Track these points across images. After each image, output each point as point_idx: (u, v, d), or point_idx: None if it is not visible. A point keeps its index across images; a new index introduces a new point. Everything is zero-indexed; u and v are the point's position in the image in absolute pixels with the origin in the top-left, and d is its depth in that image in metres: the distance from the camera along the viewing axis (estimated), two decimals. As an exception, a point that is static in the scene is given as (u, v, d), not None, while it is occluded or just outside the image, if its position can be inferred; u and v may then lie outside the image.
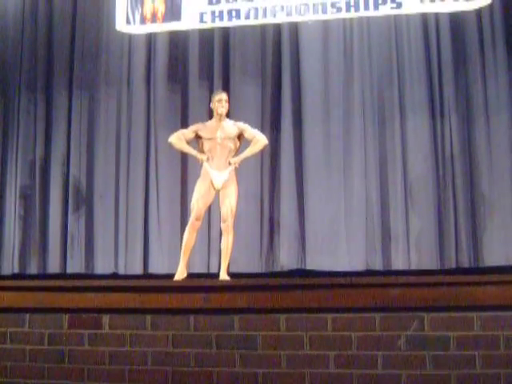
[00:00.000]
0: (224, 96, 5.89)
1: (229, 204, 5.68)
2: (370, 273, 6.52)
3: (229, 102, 5.96)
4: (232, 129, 5.82)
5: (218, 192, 5.76)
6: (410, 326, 4.58)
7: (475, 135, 6.72)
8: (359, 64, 6.98)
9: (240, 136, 5.86)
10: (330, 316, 4.69)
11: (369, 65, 6.98)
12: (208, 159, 5.76)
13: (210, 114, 6.58)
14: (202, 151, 5.85)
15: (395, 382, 4.55)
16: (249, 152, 5.85)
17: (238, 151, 5.86)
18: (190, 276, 5.83)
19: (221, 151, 5.76)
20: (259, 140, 5.84)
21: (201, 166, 5.84)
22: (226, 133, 5.79)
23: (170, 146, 5.99)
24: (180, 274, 5.69)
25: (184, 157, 7.06)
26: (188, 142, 5.92)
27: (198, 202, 5.72)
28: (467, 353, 4.52)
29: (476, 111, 6.75)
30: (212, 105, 5.93)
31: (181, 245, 5.87)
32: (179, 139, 5.88)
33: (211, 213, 6.54)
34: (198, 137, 5.88)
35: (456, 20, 6.81)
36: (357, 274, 6.34)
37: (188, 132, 5.93)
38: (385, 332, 4.62)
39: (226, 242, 5.68)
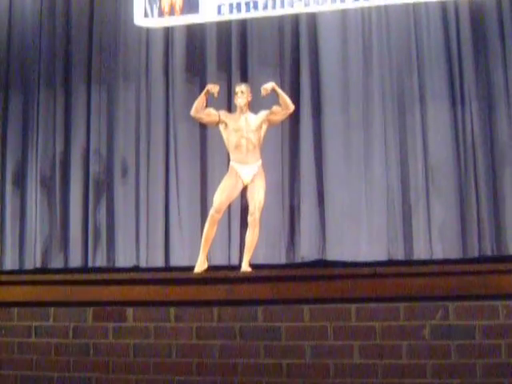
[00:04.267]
0: (241, 88, 5.83)
1: (257, 198, 5.67)
2: (391, 263, 6.49)
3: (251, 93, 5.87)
4: (255, 120, 5.78)
5: (245, 186, 5.74)
6: (435, 316, 4.56)
7: (496, 122, 6.67)
8: (378, 53, 6.94)
9: (262, 126, 5.79)
10: (354, 306, 4.68)
11: (388, 53, 6.93)
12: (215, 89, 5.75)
13: (229, 106, 6.61)
14: (227, 146, 5.83)
15: (420, 372, 4.54)
16: (283, 94, 5.77)
17: (261, 145, 5.82)
18: (211, 268, 5.84)
19: (246, 145, 5.73)
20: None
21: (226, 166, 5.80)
22: (250, 125, 5.75)
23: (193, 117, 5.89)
24: (200, 266, 5.70)
25: (204, 149, 7.10)
26: (207, 115, 5.83)
27: (222, 195, 5.71)
28: (492, 342, 4.49)
29: (497, 98, 6.70)
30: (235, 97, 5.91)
31: (201, 237, 5.87)
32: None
33: (232, 206, 6.53)
34: (220, 123, 5.83)
35: (475, 6, 6.75)
36: (378, 263, 6.31)
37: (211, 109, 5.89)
38: (409, 322, 4.61)
39: (251, 235, 5.68)
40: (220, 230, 6.24)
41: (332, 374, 4.66)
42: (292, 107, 5.83)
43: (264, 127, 5.82)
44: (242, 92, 5.80)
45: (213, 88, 5.79)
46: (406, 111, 6.86)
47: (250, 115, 5.82)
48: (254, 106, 5.92)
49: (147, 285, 5.08)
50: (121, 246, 7.13)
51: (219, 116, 5.83)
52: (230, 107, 6.56)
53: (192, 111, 5.82)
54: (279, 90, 5.79)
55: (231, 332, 4.84)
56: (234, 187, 5.76)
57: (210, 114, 5.84)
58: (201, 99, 5.79)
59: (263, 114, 5.82)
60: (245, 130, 5.74)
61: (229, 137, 5.80)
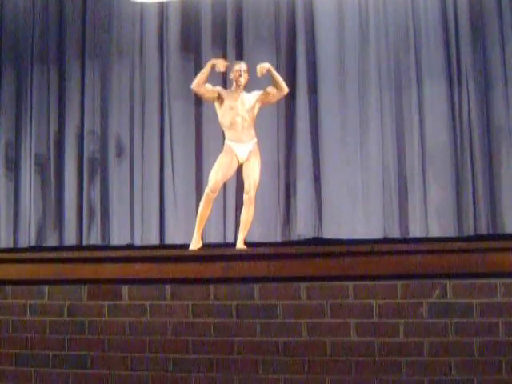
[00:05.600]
0: (244, 66, 5.77)
1: (252, 176, 5.65)
2: (387, 241, 6.49)
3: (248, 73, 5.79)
4: (250, 99, 5.73)
5: (241, 165, 5.71)
6: (432, 294, 4.55)
7: (493, 101, 6.64)
8: (375, 31, 6.87)
9: (256, 105, 5.75)
10: (351, 284, 4.67)
11: (385, 31, 6.87)
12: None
13: (224, 83, 6.54)
14: (222, 124, 5.78)
15: (417, 350, 4.54)
16: (278, 77, 5.72)
17: (254, 123, 5.77)
18: (207, 246, 5.81)
19: (242, 123, 5.68)
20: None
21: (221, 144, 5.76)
22: (245, 103, 5.71)
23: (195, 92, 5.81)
24: (195, 244, 5.69)
25: (199, 127, 7.04)
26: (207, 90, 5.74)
27: (217, 174, 5.66)
28: (490, 320, 4.49)
29: (494, 77, 6.67)
30: (232, 75, 5.83)
31: (196, 215, 5.83)
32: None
33: (227, 184, 6.50)
34: (218, 99, 5.76)
35: (473, -16, 6.70)
36: (374, 241, 6.30)
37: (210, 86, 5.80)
38: (406, 300, 4.60)
39: (247, 214, 5.67)
40: (216, 208, 6.22)
41: (329, 351, 4.65)
42: (286, 90, 5.77)
43: (257, 106, 5.78)
44: (245, 71, 5.74)
45: (220, 63, 5.72)
46: (402, 90, 6.82)
47: (245, 94, 5.78)
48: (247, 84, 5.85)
49: (143, 262, 5.05)
50: (115, 224, 7.09)
51: (218, 92, 5.77)
52: (224, 83, 6.49)
53: (194, 85, 5.71)
54: (274, 72, 5.72)
55: (227, 310, 4.83)
56: (230, 166, 5.72)
57: (209, 90, 5.77)
58: (204, 73, 5.68)
59: (258, 93, 5.78)
60: (240, 108, 5.70)
61: (224, 114, 5.75)
